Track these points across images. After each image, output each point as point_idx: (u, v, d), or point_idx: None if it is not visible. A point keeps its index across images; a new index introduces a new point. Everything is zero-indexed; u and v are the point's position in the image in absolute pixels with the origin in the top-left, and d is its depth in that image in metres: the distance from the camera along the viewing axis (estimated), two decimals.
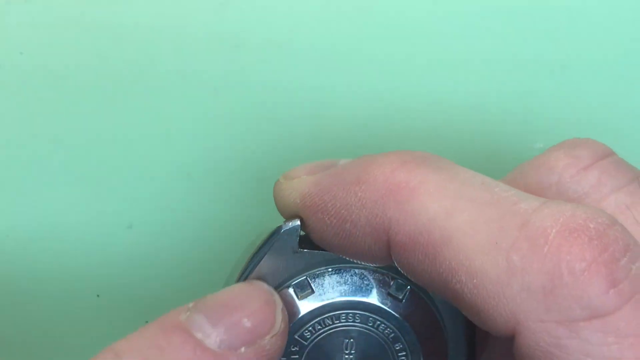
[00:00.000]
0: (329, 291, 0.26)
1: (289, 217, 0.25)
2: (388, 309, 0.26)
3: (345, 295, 0.26)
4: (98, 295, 0.36)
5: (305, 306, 0.25)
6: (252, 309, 0.23)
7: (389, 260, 0.23)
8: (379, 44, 0.34)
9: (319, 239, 0.24)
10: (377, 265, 0.25)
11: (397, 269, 0.25)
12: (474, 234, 0.21)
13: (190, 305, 0.23)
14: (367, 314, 0.26)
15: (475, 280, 0.20)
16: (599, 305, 0.19)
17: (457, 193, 0.21)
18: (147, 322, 0.35)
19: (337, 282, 0.26)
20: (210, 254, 0.36)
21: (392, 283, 0.26)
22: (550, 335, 0.20)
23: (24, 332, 0.36)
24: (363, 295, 0.26)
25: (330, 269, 0.26)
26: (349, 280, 0.26)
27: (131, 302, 0.36)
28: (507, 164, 0.35)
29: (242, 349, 0.22)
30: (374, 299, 0.26)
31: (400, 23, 0.34)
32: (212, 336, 0.22)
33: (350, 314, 0.26)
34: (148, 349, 0.22)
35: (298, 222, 0.25)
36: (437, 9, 0.34)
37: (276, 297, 0.24)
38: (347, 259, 0.25)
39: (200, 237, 0.35)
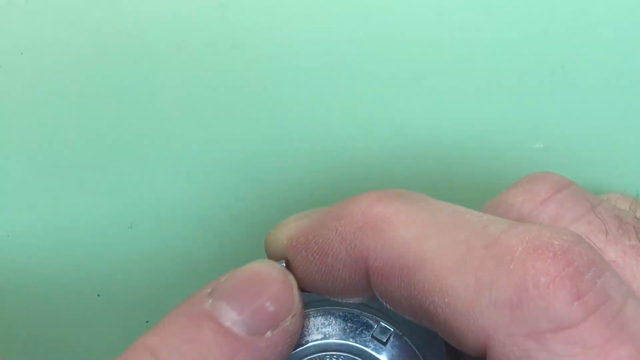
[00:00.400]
0: (313, 333, 0.26)
1: (276, 260, 0.26)
2: (371, 352, 0.26)
3: (329, 337, 0.26)
4: (98, 295, 0.36)
5: None
6: (272, 292, 0.24)
7: (369, 292, 0.24)
8: (379, 44, 0.34)
9: (304, 278, 0.25)
10: (361, 305, 0.26)
11: (381, 312, 0.26)
12: (444, 255, 0.21)
13: (209, 290, 0.24)
14: (350, 356, 0.26)
15: (446, 299, 0.21)
16: (565, 317, 0.20)
17: (428, 220, 0.22)
18: (147, 322, 0.35)
19: (322, 324, 0.26)
20: (210, 253, 0.36)
21: (375, 326, 0.26)
22: (519, 348, 0.20)
23: (25, 331, 0.36)
24: (347, 338, 0.26)
25: (315, 311, 0.26)
26: (334, 322, 0.26)
27: (131, 302, 0.36)
28: (507, 164, 0.35)
29: (268, 333, 0.23)
30: (357, 341, 0.26)
31: (400, 23, 0.34)
32: (240, 324, 0.23)
33: (335, 356, 0.26)
34: (182, 344, 0.22)
35: (283, 263, 0.26)
36: (437, 9, 0.34)
37: (290, 276, 0.24)
38: (332, 299, 0.26)
39: (200, 237, 0.35)
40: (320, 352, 0.26)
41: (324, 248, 0.24)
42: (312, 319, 0.26)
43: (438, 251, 0.22)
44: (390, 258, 0.22)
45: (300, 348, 0.26)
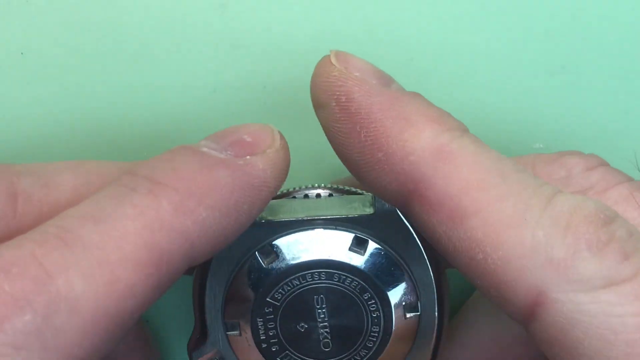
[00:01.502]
0: (292, 254, 0.27)
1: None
2: (351, 264, 0.26)
3: (308, 257, 0.26)
4: None
5: (271, 271, 0.26)
6: (251, 128, 0.25)
7: (396, 202, 0.24)
8: (379, 45, 0.34)
9: (342, 144, 0.24)
10: (334, 221, 0.27)
11: (355, 223, 0.27)
12: (503, 209, 0.22)
13: None
14: (331, 271, 0.26)
15: (500, 252, 0.22)
16: (615, 275, 0.21)
17: (491, 167, 0.23)
18: (147, 321, 0.35)
19: (300, 245, 0.27)
20: None
21: (352, 238, 0.27)
22: (572, 302, 0.21)
23: None
24: (325, 254, 0.26)
25: (291, 233, 0.27)
26: (310, 241, 0.27)
27: None
28: None
29: (248, 157, 0.24)
30: (336, 256, 0.26)
31: (399, 23, 0.34)
32: (217, 149, 0.24)
33: (316, 273, 0.27)
34: (158, 162, 0.23)
35: None
36: (437, 8, 0.34)
37: (271, 125, 0.25)
38: (306, 218, 0.26)
39: None
40: (302, 271, 0.26)
41: (380, 139, 0.23)
42: (290, 241, 0.27)
43: (498, 204, 0.22)
44: (445, 194, 0.23)
45: (281, 270, 0.26)
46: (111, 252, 0.21)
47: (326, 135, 0.25)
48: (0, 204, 0.24)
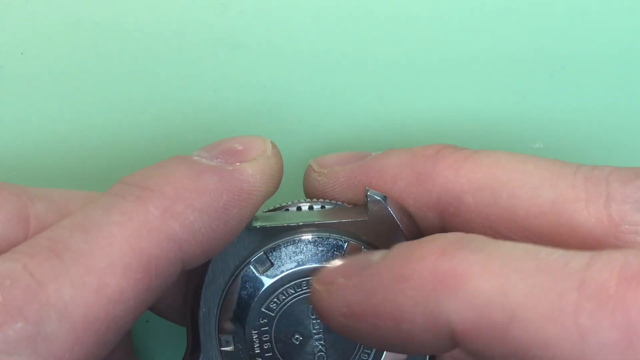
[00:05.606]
0: (287, 262, 0.27)
1: None
2: None
3: (303, 264, 0.27)
4: None
5: (266, 280, 0.27)
6: (242, 139, 0.26)
7: (452, 349, 0.22)
8: (379, 45, 0.34)
9: (368, 340, 0.23)
10: (328, 228, 0.27)
11: (349, 231, 0.26)
12: (536, 306, 0.20)
13: None
14: None
15: (550, 352, 0.20)
16: None
17: (504, 268, 0.21)
18: (147, 321, 0.35)
19: (294, 253, 0.27)
20: None
21: (346, 246, 0.27)
22: None
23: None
24: (320, 262, 0.27)
25: (285, 241, 0.27)
26: (305, 249, 0.27)
27: None
28: None
29: (237, 163, 0.25)
30: (330, 263, 0.26)
31: (399, 23, 0.34)
32: (207, 157, 0.25)
33: (311, 282, 0.26)
34: (149, 170, 0.24)
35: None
36: (437, 9, 0.34)
37: (267, 139, 0.26)
38: (300, 224, 0.27)
39: None
40: (297, 279, 0.27)
41: (395, 315, 0.22)
42: (284, 249, 0.27)
43: (528, 302, 0.20)
44: (476, 318, 0.21)
45: (276, 279, 0.26)
46: (99, 260, 0.22)
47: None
48: (11, 226, 0.25)
